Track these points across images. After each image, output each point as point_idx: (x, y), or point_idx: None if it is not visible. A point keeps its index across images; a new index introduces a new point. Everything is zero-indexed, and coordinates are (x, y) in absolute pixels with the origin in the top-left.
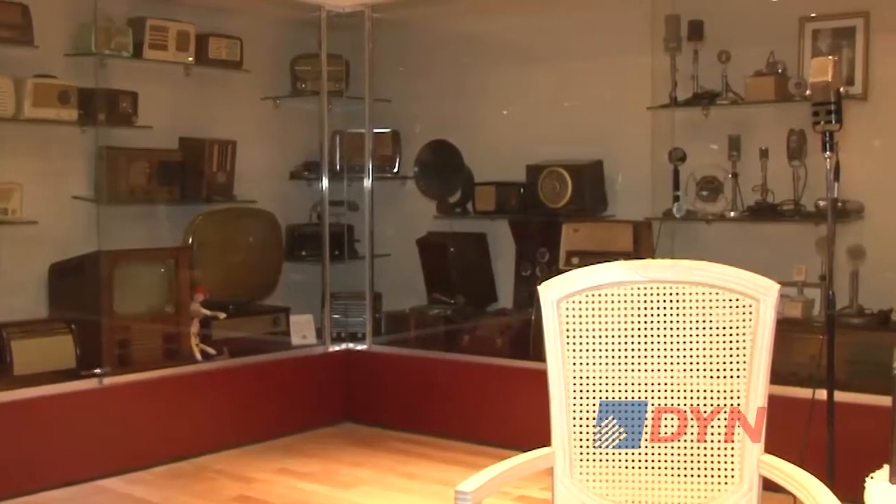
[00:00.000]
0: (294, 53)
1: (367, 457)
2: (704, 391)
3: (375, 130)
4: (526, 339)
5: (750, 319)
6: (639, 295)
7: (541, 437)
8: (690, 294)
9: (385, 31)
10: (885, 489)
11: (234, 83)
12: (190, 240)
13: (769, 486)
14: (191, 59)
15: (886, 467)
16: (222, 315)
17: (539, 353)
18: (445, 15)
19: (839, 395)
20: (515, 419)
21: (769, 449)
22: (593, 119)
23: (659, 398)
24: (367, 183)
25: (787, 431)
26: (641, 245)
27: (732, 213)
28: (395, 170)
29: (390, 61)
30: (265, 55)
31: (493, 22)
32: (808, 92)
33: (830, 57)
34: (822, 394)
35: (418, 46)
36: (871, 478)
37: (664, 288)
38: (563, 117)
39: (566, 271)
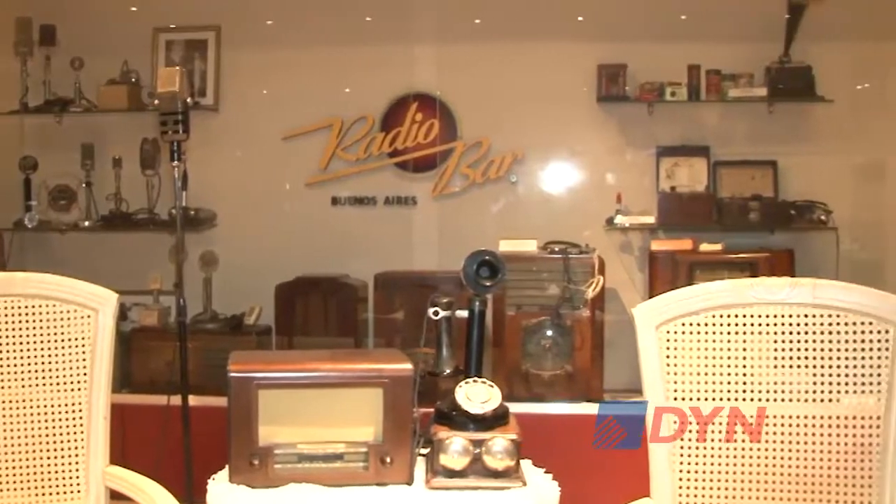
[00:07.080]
0: None
1: None
2: (46, 405)
3: None
4: None
5: (89, 330)
6: None
7: None
8: (26, 307)
9: None
10: (225, 488)
11: None
12: None
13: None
14: None
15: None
16: None
17: None
18: None
19: (195, 400)
20: None
21: (130, 458)
22: None
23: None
24: None
25: (147, 439)
26: None
27: (87, 223)
28: None
29: None
30: None
31: None
32: (157, 102)
33: (178, 67)
34: (178, 399)
35: None
36: (213, 479)
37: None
38: None
39: None
